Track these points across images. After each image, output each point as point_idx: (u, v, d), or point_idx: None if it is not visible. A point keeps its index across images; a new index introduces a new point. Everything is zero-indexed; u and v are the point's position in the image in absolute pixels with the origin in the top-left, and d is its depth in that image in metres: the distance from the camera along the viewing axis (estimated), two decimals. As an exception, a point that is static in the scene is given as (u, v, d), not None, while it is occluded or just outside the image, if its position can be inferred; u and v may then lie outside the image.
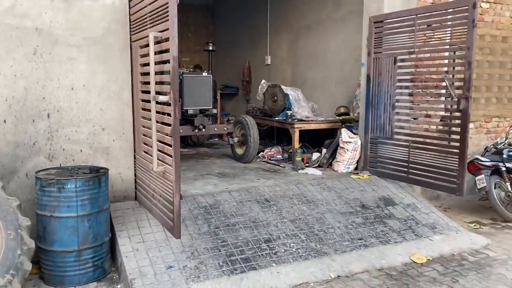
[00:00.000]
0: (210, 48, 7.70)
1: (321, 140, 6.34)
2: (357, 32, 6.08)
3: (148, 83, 3.72)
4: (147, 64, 3.69)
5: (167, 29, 3.18)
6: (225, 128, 6.40)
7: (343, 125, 6.19)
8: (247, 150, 6.17)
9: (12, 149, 3.81)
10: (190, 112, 5.79)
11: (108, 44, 4.07)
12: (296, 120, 6.41)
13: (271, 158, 6.57)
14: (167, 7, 3.15)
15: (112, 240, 3.85)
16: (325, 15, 7.29)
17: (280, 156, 6.62)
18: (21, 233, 3.19)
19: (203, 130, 5.96)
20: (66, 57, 3.93)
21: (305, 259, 3.88)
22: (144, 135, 3.97)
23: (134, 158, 4.30)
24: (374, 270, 3.83)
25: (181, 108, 5.61)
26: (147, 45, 3.60)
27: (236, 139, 6.38)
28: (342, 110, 6.57)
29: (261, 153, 6.75)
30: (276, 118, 6.82)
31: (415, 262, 3.99)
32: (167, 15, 3.16)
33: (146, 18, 3.69)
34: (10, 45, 3.72)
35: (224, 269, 3.63)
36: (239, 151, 6.46)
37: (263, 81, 7.46)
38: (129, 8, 4.11)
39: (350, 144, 5.64)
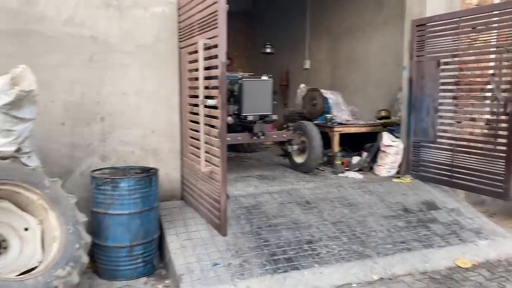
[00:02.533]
0: (268, 50, 7.07)
1: (361, 143, 6.34)
2: (398, 36, 6.05)
3: (196, 88, 3.90)
4: (195, 70, 3.87)
5: (216, 36, 3.33)
6: (284, 135, 5.99)
7: (384, 129, 6.16)
8: (308, 159, 5.83)
9: (69, 150, 4.07)
10: (250, 118, 5.48)
11: (158, 51, 4.28)
12: (336, 124, 6.44)
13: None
14: (216, 15, 3.30)
15: (160, 237, 4.03)
16: (366, 18, 7.30)
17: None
18: (79, 228, 3.40)
19: (262, 137, 5.62)
20: (119, 64, 4.16)
21: (348, 261, 3.91)
22: (191, 137, 4.14)
23: (181, 159, 4.48)
24: (417, 274, 3.82)
25: (239, 114, 5.45)
26: (195, 52, 3.77)
27: (296, 147, 6.04)
28: (383, 113, 6.55)
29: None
30: (316, 122, 6.86)
31: (460, 267, 3.94)
32: (216, 22, 3.31)
33: (194, 25, 3.86)
34: (69, 53, 3.99)
35: (267, 268, 3.72)
36: (298, 159, 6.09)
37: (302, 85, 7.53)
38: (178, 16, 4.30)
39: (392, 148, 5.63)
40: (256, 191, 4.96)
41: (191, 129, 4.13)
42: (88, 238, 3.44)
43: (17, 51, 3.78)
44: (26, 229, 3.35)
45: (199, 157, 3.73)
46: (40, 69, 3.59)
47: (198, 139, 3.82)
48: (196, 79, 3.81)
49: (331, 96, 6.85)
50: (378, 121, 6.51)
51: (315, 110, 6.92)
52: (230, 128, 5.19)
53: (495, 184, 4.67)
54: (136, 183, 3.69)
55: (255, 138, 5.58)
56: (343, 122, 6.52)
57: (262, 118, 5.56)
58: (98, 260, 3.78)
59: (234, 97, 5.57)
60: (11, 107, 3.20)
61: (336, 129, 6.36)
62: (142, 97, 4.28)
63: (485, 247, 4.30)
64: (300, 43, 9.27)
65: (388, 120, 6.34)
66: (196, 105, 3.85)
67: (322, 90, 6.90)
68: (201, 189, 3.89)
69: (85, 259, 3.36)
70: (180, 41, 4.30)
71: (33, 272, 3.07)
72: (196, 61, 3.76)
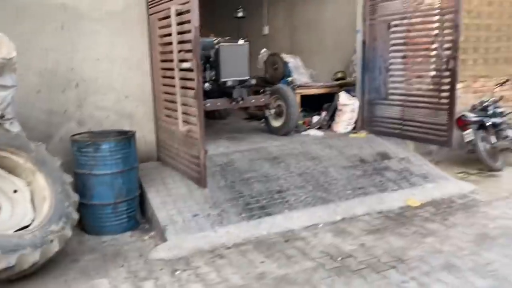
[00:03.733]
0: (240, 14, 6.92)
1: (321, 104, 6.76)
2: (352, 0, 6.42)
3: (168, 52, 4.12)
4: (166, 35, 4.08)
5: (188, 2, 3.55)
6: (262, 100, 5.92)
7: (341, 89, 6.61)
8: (287, 121, 5.90)
9: (47, 117, 4.21)
10: (229, 83, 5.41)
11: (128, 18, 4.43)
12: (296, 86, 6.81)
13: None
14: (187, -19, 3.51)
15: (141, 196, 4.31)
16: (321, -16, 7.62)
17: (282, 121, 7.04)
18: (66, 187, 3.64)
19: (241, 102, 5.59)
20: (90, 31, 4.29)
21: (313, 206, 4.38)
22: (166, 100, 4.38)
23: (155, 123, 4.72)
24: (374, 213, 4.35)
25: (217, 80, 5.40)
26: (166, 17, 3.97)
27: (273, 111, 6.07)
28: (339, 75, 6.99)
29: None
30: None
31: (410, 206, 4.51)
32: (188, -11, 3.52)
33: (164, -8, 4.04)
34: (40, 21, 4.07)
35: (243, 215, 4.12)
36: (275, 123, 6.14)
37: (264, 50, 7.79)
38: (145, -17, 4.44)
39: (349, 106, 6.10)
40: (228, 150, 5.29)
41: (165, 93, 4.36)
42: (76, 197, 3.69)
43: (-12, 20, 3.82)
44: (15, 191, 3.54)
45: (176, 118, 4.00)
46: (13, 38, 3.66)
47: (173, 102, 4.07)
48: (168, 44, 4.03)
49: (291, 60, 7.19)
50: (335, 82, 6.95)
51: (277, 74, 7.25)
52: (208, 95, 5.18)
53: (440, 134, 5.25)
54: (116, 145, 3.93)
55: (234, 103, 5.56)
56: (303, 85, 6.90)
57: (241, 83, 5.53)
58: (84, 218, 4.01)
59: (210, 62, 5.46)
60: (-7, 74, 3.32)
61: (297, 91, 6.72)
62: (115, 63, 4.44)
63: (431, 189, 4.91)
64: (258, 10, 9.47)
65: (344, 81, 6.79)
66: (169, 69, 4.09)
67: (283, 55, 7.22)
68: (179, 148, 4.18)
69: (75, 215, 3.62)
70: (150, 7, 4.45)
71: (29, 228, 3.30)
72: (167, 26, 3.97)
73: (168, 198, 4.25)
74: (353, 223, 4.13)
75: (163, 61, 4.33)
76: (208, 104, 5.07)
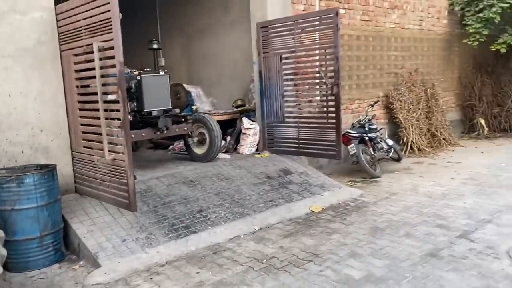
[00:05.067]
0: (155, 46, 6.91)
1: (224, 129, 7.29)
2: (246, 35, 7.17)
3: (86, 86, 4.32)
4: (85, 70, 4.28)
5: (112, 39, 3.83)
6: (185, 128, 5.98)
7: (242, 115, 7.25)
8: (211, 148, 6.06)
9: (-43, 155, 4.06)
10: (155, 113, 5.49)
11: (40, 54, 4.50)
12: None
13: (182, 150, 7.33)
14: (110, 21, 3.80)
15: (64, 228, 4.33)
16: (215, 20, 8.27)
17: (189, 147, 7.42)
18: (-10, 225, 3.58)
19: (165, 132, 5.62)
20: (2, 67, 4.28)
21: (233, 220, 4.83)
22: (85, 132, 4.51)
23: (72, 155, 4.79)
24: (285, 221, 4.95)
25: (140, 111, 5.45)
26: (85, 53, 4.19)
27: (196, 139, 6.21)
28: (239, 102, 7.64)
29: (171, 146, 7.49)
30: (182, 114, 7.53)
31: (314, 212, 5.22)
32: (111, 27, 3.81)
33: (81, 29, 4.25)
34: None
35: (170, 235, 4.40)
36: (198, 150, 6.29)
37: (165, 81, 8.14)
38: (57, 21, 4.58)
39: (251, 130, 6.74)
40: (144, 178, 5.50)
41: (85, 124, 4.50)
42: (2, 233, 3.63)
43: None
44: None
45: (100, 149, 4.17)
46: None
47: (96, 133, 4.24)
48: (88, 78, 4.23)
49: (193, 90, 7.67)
50: (236, 109, 7.58)
51: (180, 103, 7.62)
52: (130, 126, 5.07)
53: (330, 149, 6.13)
54: (41, 178, 3.97)
55: (158, 133, 5.59)
56: (207, 112, 7.39)
57: (165, 112, 5.63)
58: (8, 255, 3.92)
59: (130, 94, 5.44)
60: None
61: (201, 118, 7.18)
62: (28, 98, 4.46)
63: (328, 196, 5.71)
64: (154, 42, 9.80)
65: (244, 107, 7.45)
66: (89, 102, 4.27)
67: (185, 85, 7.66)
68: (103, 177, 4.34)
69: (4, 251, 3.57)
70: (62, 44, 4.59)
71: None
72: (86, 61, 4.19)
73: (93, 227, 4.35)
74: (269, 231, 4.67)
75: (81, 94, 4.48)
76: (133, 136, 5.06)
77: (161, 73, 5.78)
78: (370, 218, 4.94)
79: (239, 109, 7.43)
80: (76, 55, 4.43)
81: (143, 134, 5.52)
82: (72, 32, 4.41)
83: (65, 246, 4.36)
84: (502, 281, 3.34)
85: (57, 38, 4.61)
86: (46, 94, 4.58)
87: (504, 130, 10.41)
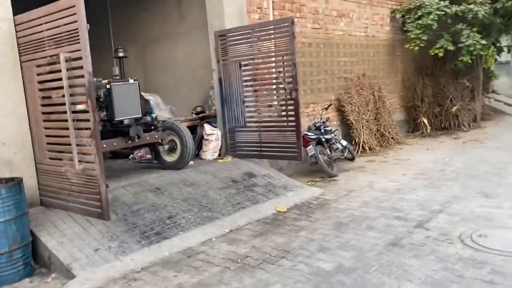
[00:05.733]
0: (121, 54, 6.73)
1: (185, 136, 7.37)
2: (204, 43, 7.30)
3: (49, 97, 4.28)
4: (48, 81, 4.24)
5: (79, 50, 3.85)
6: (156, 136, 5.93)
7: (203, 122, 7.35)
8: (183, 155, 6.07)
9: None
10: (126, 122, 5.40)
11: None
12: (161, 122, 7.29)
13: (142, 158, 7.32)
14: (78, 32, 3.82)
15: (32, 241, 4.25)
16: (170, 28, 8.33)
17: (150, 156, 7.40)
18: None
19: (137, 140, 5.56)
20: (-40, 79, 4.15)
21: (203, 224, 4.94)
22: (51, 143, 4.45)
23: (36, 167, 4.70)
24: (254, 222, 5.13)
25: (110, 120, 5.36)
26: (49, 64, 4.16)
27: (166, 147, 6.19)
28: (198, 109, 7.73)
29: (131, 155, 7.44)
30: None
31: (280, 211, 5.43)
32: (78, 38, 3.83)
33: (44, 40, 4.21)
34: None
35: (143, 242, 4.44)
36: (169, 158, 6.26)
37: (121, 90, 8.07)
38: (16, 32, 4.50)
39: (213, 136, 6.87)
40: (109, 187, 5.44)
41: (51, 136, 4.44)
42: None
43: None
44: None
45: (69, 159, 4.15)
46: None
47: (63, 144, 4.21)
48: (54, 89, 4.20)
49: (151, 98, 7.67)
50: (196, 116, 7.67)
51: (139, 111, 7.61)
52: (100, 136, 4.92)
53: (291, 151, 6.39)
54: (8, 191, 3.89)
55: (130, 142, 5.52)
56: (166, 120, 7.42)
57: (136, 120, 5.57)
58: (-25, 273, 3.82)
59: (99, 103, 5.31)
60: None
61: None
62: (-12, 111, 4.35)
63: (292, 196, 5.95)
64: (106, 51, 9.68)
65: (204, 114, 7.56)
66: (55, 113, 4.24)
67: (143, 93, 7.64)
68: (72, 188, 4.30)
69: (-25, 268, 3.48)
70: (23, 55, 4.51)
71: None
72: (51, 72, 4.15)
73: (64, 239, 4.30)
74: (240, 232, 4.83)
75: (45, 105, 4.42)
76: (104, 146, 4.97)
77: (131, 81, 5.69)
78: (333, 214, 5.23)
79: (200, 115, 7.53)
80: (39, 66, 4.37)
81: (115, 144, 5.44)
82: (34, 43, 4.36)
83: (34, 260, 4.28)
84: (457, 263, 3.70)
85: (16, 49, 4.52)
86: (7, 106, 4.47)
87: (445, 128, 11.20)
